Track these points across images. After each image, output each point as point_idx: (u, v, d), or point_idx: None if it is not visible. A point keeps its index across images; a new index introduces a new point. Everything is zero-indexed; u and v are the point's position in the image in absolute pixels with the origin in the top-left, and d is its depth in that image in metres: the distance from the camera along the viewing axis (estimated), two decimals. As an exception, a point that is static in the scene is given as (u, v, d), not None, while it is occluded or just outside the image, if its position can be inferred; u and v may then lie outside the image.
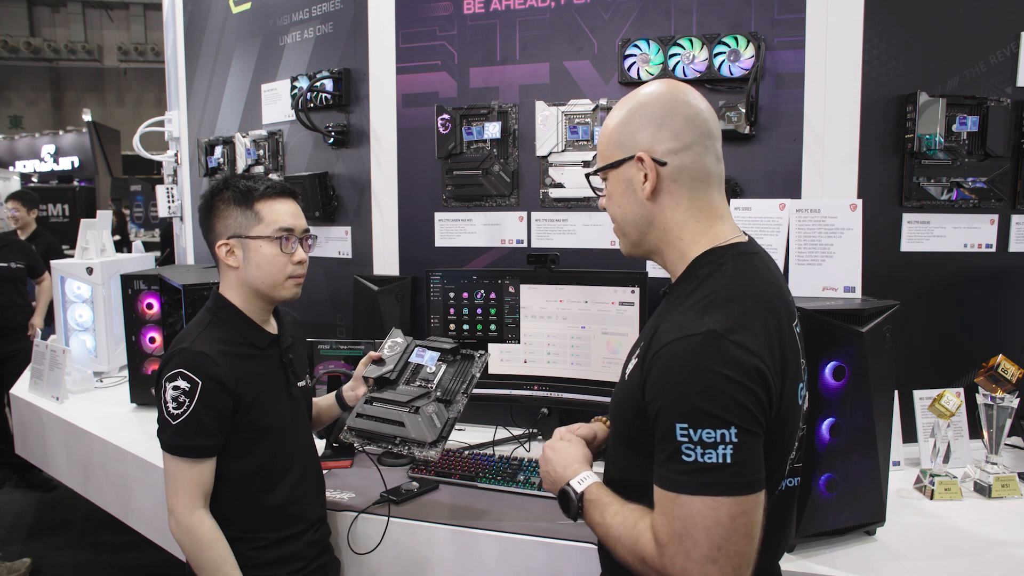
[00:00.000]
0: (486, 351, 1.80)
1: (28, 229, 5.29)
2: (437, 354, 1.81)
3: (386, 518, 1.79)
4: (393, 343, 1.84)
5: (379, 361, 1.81)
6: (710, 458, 0.96)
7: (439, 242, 2.54)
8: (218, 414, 1.48)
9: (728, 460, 0.95)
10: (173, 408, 1.46)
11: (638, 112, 1.15)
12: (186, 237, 3.88)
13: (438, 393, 1.67)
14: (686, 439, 0.97)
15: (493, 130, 2.40)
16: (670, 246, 1.17)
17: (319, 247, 2.86)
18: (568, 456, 1.28)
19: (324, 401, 1.91)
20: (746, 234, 1.18)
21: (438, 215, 2.53)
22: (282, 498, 1.58)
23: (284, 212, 1.57)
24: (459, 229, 2.51)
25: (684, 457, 0.97)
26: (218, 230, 1.57)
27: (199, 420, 1.46)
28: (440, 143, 2.48)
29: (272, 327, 1.66)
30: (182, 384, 1.46)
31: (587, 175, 1.27)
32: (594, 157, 2.30)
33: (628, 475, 1.16)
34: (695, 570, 0.96)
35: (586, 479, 1.20)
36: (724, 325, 1.00)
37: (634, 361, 1.15)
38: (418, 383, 1.73)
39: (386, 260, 2.66)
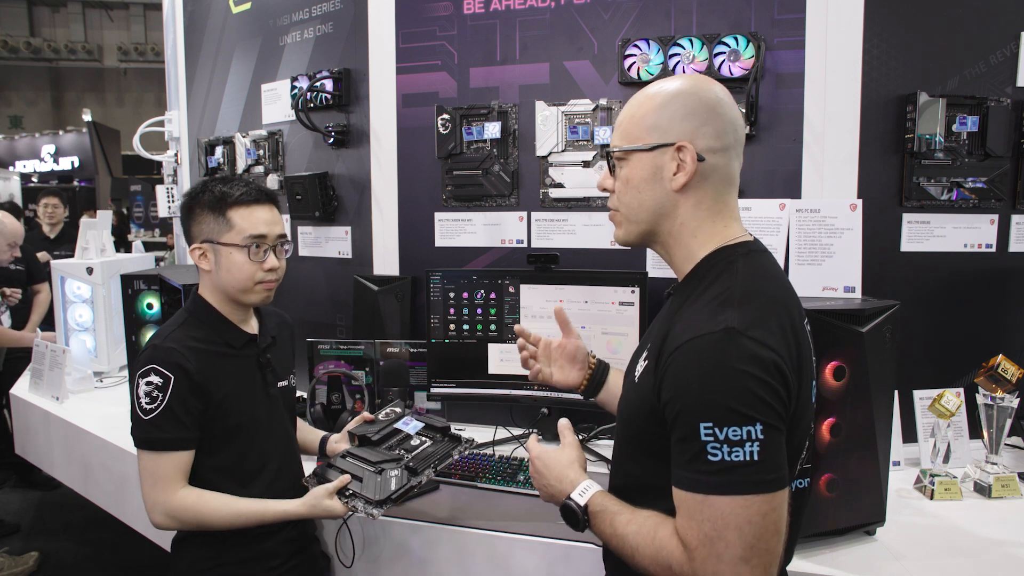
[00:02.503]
0: (472, 441, 1.77)
1: (58, 227, 5.39)
2: (421, 424, 1.80)
3: (385, 518, 1.80)
4: (391, 411, 1.87)
5: (372, 423, 1.80)
6: (737, 456, 0.94)
7: (439, 242, 2.54)
8: (191, 408, 1.50)
9: (755, 457, 0.94)
10: (147, 403, 1.48)
11: (679, 100, 1.11)
12: (186, 237, 3.87)
13: (410, 464, 1.64)
14: (711, 438, 0.95)
15: (493, 130, 2.40)
16: (680, 243, 1.15)
17: (319, 247, 2.86)
18: (560, 464, 1.25)
19: (308, 436, 1.93)
20: (750, 234, 1.17)
21: (438, 215, 2.53)
22: (256, 496, 1.58)
23: (258, 220, 1.58)
24: (459, 229, 2.51)
25: (710, 457, 0.95)
26: (193, 233, 1.60)
27: (174, 413, 1.48)
28: (440, 143, 2.48)
29: (251, 327, 1.69)
30: (155, 379, 1.48)
31: (608, 152, 1.21)
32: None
33: (639, 480, 1.15)
34: (728, 571, 0.95)
35: (588, 489, 1.18)
36: (741, 322, 0.99)
37: (643, 363, 1.13)
38: (398, 451, 1.71)
39: (386, 260, 2.66)
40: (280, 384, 1.73)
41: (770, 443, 0.95)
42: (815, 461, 1.56)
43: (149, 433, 1.49)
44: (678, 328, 1.04)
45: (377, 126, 2.62)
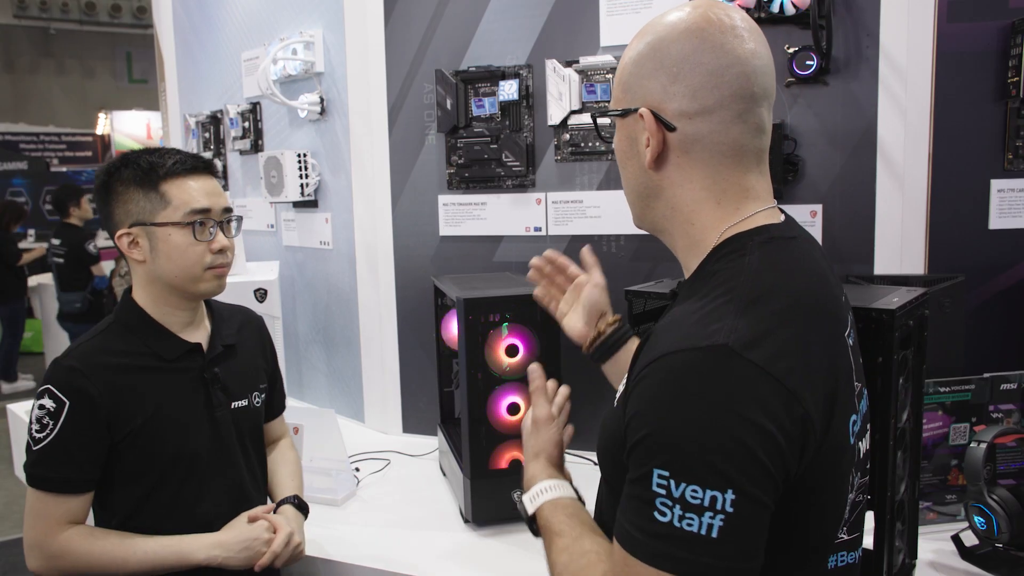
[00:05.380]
0: None
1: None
2: None
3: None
4: None
5: None
6: (690, 525, 0.69)
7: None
8: (89, 441, 1.25)
9: (714, 534, 0.69)
10: (36, 431, 1.24)
11: (657, 50, 0.83)
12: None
13: None
14: (663, 492, 0.70)
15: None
16: (679, 231, 0.87)
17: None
18: (529, 449, 1.05)
19: (280, 483, 1.52)
20: (784, 213, 0.88)
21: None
22: None
23: (197, 191, 1.31)
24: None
25: (656, 515, 0.71)
26: (118, 217, 1.31)
27: (65, 448, 1.23)
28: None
29: (198, 333, 1.39)
30: (48, 403, 1.23)
31: (593, 116, 1.01)
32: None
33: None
34: None
35: (540, 495, 0.97)
36: (742, 337, 0.72)
37: (623, 384, 0.87)
38: None
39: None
40: (236, 405, 1.41)
41: (742, 520, 0.69)
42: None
43: (35, 467, 1.25)
44: (660, 333, 0.79)
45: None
